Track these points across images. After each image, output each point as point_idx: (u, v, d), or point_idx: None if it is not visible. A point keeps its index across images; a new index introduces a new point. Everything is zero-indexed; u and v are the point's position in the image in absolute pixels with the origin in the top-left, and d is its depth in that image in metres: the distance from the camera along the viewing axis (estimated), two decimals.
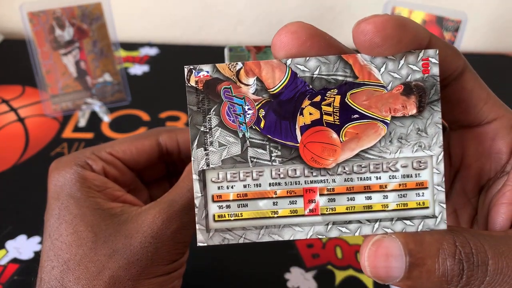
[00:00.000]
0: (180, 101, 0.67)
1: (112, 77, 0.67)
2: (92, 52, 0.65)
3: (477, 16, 0.79)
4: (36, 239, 0.48)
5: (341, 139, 0.23)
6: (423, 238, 0.22)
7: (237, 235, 0.24)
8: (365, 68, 0.23)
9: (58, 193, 0.33)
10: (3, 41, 0.84)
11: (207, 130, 0.23)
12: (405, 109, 0.23)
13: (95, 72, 0.66)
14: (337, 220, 0.24)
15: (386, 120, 0.23)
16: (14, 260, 0.46)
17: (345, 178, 0.24)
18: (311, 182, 0.24)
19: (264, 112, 0.23)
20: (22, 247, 0.47)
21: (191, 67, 0.23)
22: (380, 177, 0.24)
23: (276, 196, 0.24)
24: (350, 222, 0.24)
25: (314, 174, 0.24)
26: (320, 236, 0.24)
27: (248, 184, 0.24)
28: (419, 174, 0.24)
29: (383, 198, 0.24)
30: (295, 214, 0.24)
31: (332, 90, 0.23)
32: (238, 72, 0.23)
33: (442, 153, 0.23)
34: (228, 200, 0.24)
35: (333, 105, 0.23)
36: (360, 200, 0.24)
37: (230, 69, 0.23)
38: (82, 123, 0.65)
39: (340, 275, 0.45)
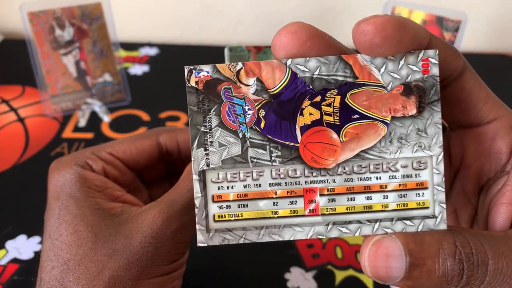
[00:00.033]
0: (180, 101, 0.67)
1: (112, 77, 0.67)
2: (92, 52, 0.65)
3: (477, 16, 0.79)
4: (36, 239, 0.48)
5: (341, 139, 0.23)
6: (423, 238, 0.22)
7: (237, 235, 0.24)
8: (365, 68, 0.23)
9: (58, 193, 0.33)
10: (3, 41, 0.84)
11: (207, 131, 0.23)
12: (405, 109, 0.23)
13: (95, 72, 0.66)
14: (337, 220, 0.24)
15: (386, 120, 0.23)
16: (14, 260, 0.46)
17: (345, 178, 0.24)
18: (311, 182, 0.24)
19: (264, 112, 0.23)
20: (22, 247, 0.47)
21: (191, 67, 0.23)
22: (380, 177, 0.24)
23: (276, 196, 0.24)
24: (350, 222, 0.24)
25: (314, 174, 0.24)
26: (320, 236, 0.24)
27: (248, 184, 0.24)
28: (419, 174, 0.24)
29: (383, 198, 0.24)
30: (295, 214, 0.24)
31: (332, 91, 0.23)
32: (238, 72, 0.23)
33: (442, 153, 0.23)
34: (228, 200, 0.24)
35: (333, 106, 0.23)
36: (360, 200, 0.24)
37: (230, 69, 0.23)
38: (82, 123, 0.65)
39: (340, 275, 0.45)
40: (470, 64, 0.26)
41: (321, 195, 0.24)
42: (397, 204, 0.24)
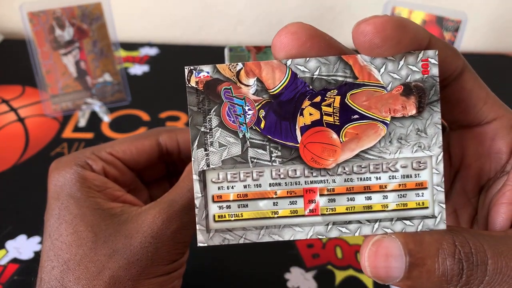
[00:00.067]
0: (180, 101, 0.67)
1: (112, 77, 0.67)
2: (92, 52, 0.66)
3: (477, 16, 0.79)
4: (36, 239, 0.48)
5: (341, 139, 0.23)
6: (422, 238, 0.22)
7: (237, 235, 0.24)
8: (365, 68, 0.23)
9: (58, 193, 0.33)
10: (3, 41, 0.84)
11: (208, 131, 0.23)
12: (404, 109, 0.23)
13: (95, 72, 0.66)
14: (337, 220, 0.24)
15: (386, 121, 0.23)
16: (14, 260, 0.46)
17: (345, 179, 0.24)
18: (311, 182, 0.24)
19: (264, 113, 0.23)
20: (22, 247, 0.47)
21: (192, 67, 0.23)
22: (380, 177, 0.24)
23: (276, 196, 0.24)
24: (350, 222, 0.24)
25: (314, 174, 0.24)
26: (320, 236, 0.24)
27: (248, 185, 0.24)
28: (418, 174, 0.24)
29: (383, 198, 0.24)
30: (295, 214, 0.24)
31: (332, 91, 0.23)
32: (238, 72, 0.23)
33: (442, 154, 0.23)
34: (228, 201, 0.24)
35: (333, 106, 0.23)
36: (360, 200, 0.24)
37: (230, 69, 0.23)
38: (82, 123, 0.65)
39: (340, 275, 0.45)
40: (470, 64, 0.26)
41: (321, 195, 0.24)
42: (396, 204, 0.24)
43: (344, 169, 0.24)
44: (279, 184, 0.24)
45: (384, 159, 0.24)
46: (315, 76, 0.23)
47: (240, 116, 0.23)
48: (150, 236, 0.31)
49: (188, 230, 0.33)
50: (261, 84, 0.23)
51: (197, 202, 0.24)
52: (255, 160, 0.24)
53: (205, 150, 0.23)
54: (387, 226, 0.24)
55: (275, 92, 0.23)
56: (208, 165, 0.24)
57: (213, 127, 0.23)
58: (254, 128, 0.23)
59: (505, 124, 0.26)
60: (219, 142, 0.23)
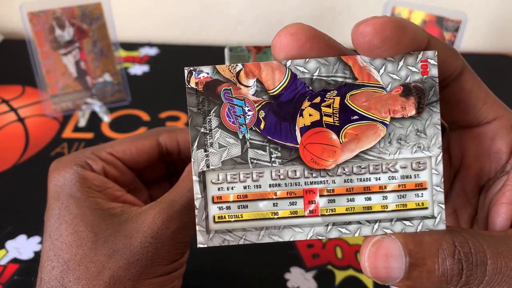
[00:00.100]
0: (180, 101, 0.67)
1: (112, 77, 0.67)
2: (92, 52, 0.66)
3: (477, 16, 0.79)
4: (36, 239, 0.48)
5: (340, 140, 0.23)
6: (422, 239, 0.22)
7: (237, 236, 0.24)
8: (365, 69, 0.23)
9: (58, 193, 0.33)
10: (3, 41, 0.84)
11: (207, 132, 0.23)
12: (404, 110, 0.23)
13: (95, 72, 0.66)
14: (337, 221, 0.24)
15: (386, 121, 0.23)
16: (14, 260, 0.46)
17: (344, 179, 0.24)
18: (311, 183, 0.24)
19: (264, 114, 0.23)
20: (22, 247, 0.47)
21: (191, 68, 0.23)
22: (379, 178, 0.24)
23: (276, 197, 0.24)
24: (350, 223, 0.24)
25: (314, 175, 0.24)
26: (320, 237, 0.24)
27: (248, 185, 0.24)
28: (418, 175, 0.24)
29: (383, 199, 0.24)
30: (295, 215, 0.24)
31: (331, 92, 0.23)
32: (238, 73, 0.23)
33: (441, 154, 0.24)
34: (228, 201, 0.24)
35: (332, 106, 0.23)
36: (360, 201, 0.24)
37: (230, 70, 0.23)
38: (82, 123, 0.65)
39: (340, 275, 0.45)
40: (470, 64, 0.26)
41: (320, 196, 0.24)
42: (396, 205, 0.24)
43: (344, 170, 0.24)
44: (279, 185, 0.24)
45: (383, 159, 0.24)
46: (314, 77, 0.23)
47: (240, 117, 0.23)
48: (150, 236, 0.31)
49: (188, 230, 0.33)
50: (260, 85, 0.23)
51: (197, 203, 0.24)
52: (255, 161, 0.24)
53: (205, 151, 0.23)
54: (386, 227, 0.24)
55: (274, 93, 0.23)
56: (208, 166, 0.24)
57: (213, 128, 0.23)
58: (254, 129, 0.23)
59: (505, 124, 0.26)
60: (219, 143, 0.23)
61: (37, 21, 0.61)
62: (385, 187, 0.24)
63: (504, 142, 0.26)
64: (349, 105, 0.23)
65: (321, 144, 0.23)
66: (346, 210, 0.24)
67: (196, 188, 0.24)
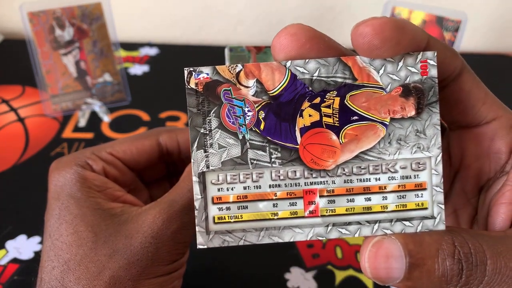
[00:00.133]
0: (180, 101, 0.67)
1: (112, 77, 0.67)
2: (92, 52, 0.66)
3: (477, 16, 0.79)
4: (36, 239, 0.48)
5: (340, 140, 0.23)
6: (422, 239, 0.22)
7: (237, 237, 0.24)
8: (364, 70, 0.23)
9: (58, 193, 0.33)
10: (3, 41, 0.84)
11: (207, 132, 0.23)
12: (403, 110, 0.23)
13: (95, 72, 0.66)
14: (337, 221, 0.24)
15: (385, 122, 0.23)
16: (14, 260, 0.46)
17: (344, 180, 0.24)
18: (311, 183, 0.24)
19: (264, 114, 0.23)
20: (22, 247, 0.47)
21: (191, 69, 0.23)
22: (379, 178, 0.24)
23: (276, 198, 0.24)
24: (349, 223, 0.24)
25: (314, 175, 0.24)
26: (320, 238, 0.24)
27: (248, 186, 0.24)
28: (418, 175, 0.24)
29: (383, 199, 0.24)
30: (295, 215, 0.24)
31: (331, 92, 0.23)
32: (238, 74, 0.23)
33: (441, 155, 0.24)
34: (228, 202, 0.24)
35: (332, 107, 0.23)
36: (360, 201, 0.24)
37: (230, 71, 0.23)
38: (82, 123, 0.65)
39: (340, 275, 0.45)
40: (470, 64, 0.26)
41: (320, 196, 0.24)
42: (396, 205, 0.24)
43: (344, 170, 0.24)
44: (279, 185, 0.24)
45: (383, 160, 0.24)
46: (314, 78, 0.23)
47: (240, 118, 0.23)
48: (150, 236, 0.31)
49: (189, 230, 0.33)
50: (260, 85, 0.23)
51: (196, 203, 0.24)
52: (254, 162, 0.24)
53: (205, 151, 0.24)
54: (386, 227, 0.24)
55: (274, 94, 0.23)
56: (207, 167, 0.24)
57: (212, 128, 0.23)
58: (253, 129, 0.24)
59: (504, 124, 0.26)
60: (218, 144, 0.24)
61: (37, 21, 0.61)
62: (385, 187, 0.24)
63: (503, 142, 0.26)
64: (349, 105, 0.23)
65: (321, 144, 0.23)
66: (346, 210, 0.24)
67: (196, 188, 0.24)
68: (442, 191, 0.24)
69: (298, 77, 0.23)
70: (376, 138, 0.23)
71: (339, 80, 0.23)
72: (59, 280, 0.30)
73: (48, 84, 0.64)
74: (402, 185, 0.24)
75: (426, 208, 0.24)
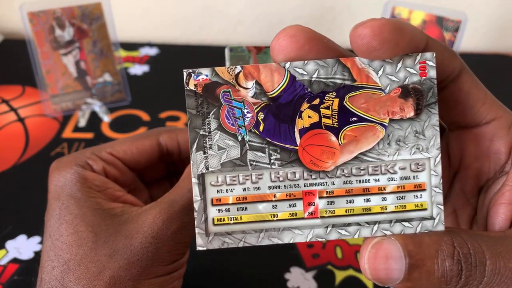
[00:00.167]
0: (180, 101, 0.67)
1: (112, 77, 0.67)
2: (92, 52, 0.66)
3: (477, 16, 0.79)
4: (36, 239, 0.48)
5: (340, 141, 0.23)
6: (421, 240, 0.22)
7: (237, 238, 0.24)
8: (363, 71, 0.23)
9: (58, 193, 0.34)
10: (3, 41, 0.84)
11: (206, 134, 0.23)
12: (403, 111, 0.23)
13: (95, 72, 0.66)
14: (336, 222, 0.24)
15: (384, 123, 0.23)
16: (14, 260, 0.46)
17: (344, 181, 0.24)
18: (311, 185, 0.24)
19: (263, 115, 0.23)
20: (22, 247, 0.48)
21: (190, 70, 0.23)
22: (378, 179, 0.24)
23: (276, 199, 0.24)
24: (349, 224, 0.24)
25: (313, 177, 0.24)
26: (319, 239, 0.24)
27: (248, 188, 0.24)
28: (417, 176, 0.24)
29: (382, 200, 0.24)
30: (294, 217, 0.24)
31: (330, 93, 0.23)
32: (237, 75, 0.23)
33: (440, 155, 0.24)
34: (228, 204, 0.24)
35: (331, 108, 0.23)
36: (359, 202, 0.24)
37: (229, 72, 0.23)
38: (82, 123, 0.65)
39: (340, 275, 0.45)
40: (470, 64, 0.26)
41: (320, 197, 0.24)
42: (395, 206, 0.24)
43: (343, 171, 0.24)
44: (278, 187, 0.24)
45: (382, 161, 0.24)
46: (313, 79, 0.23)
47: (239, 119, 0.23)
48: (150, 236, 0.31)
49: (189, 231, 0.33)
50: (259, 87, 0.23)
51: (196, 205, 0.24)
52: (254, 163, 0.24)
53: (204, 153, 0.24)
54: (386, 228, 0.24)
55: (273, 95, 0.23)
56: (207, 168, 0.24)
57: (212, 130, 0.23)
58: (253, 131, 0.24)
59: (504, 124, 0.26)
60: (218, 145, 0.24)
61: (37, 21, 0.62)
62: (384, 188, 0.24)
63: (503, 142, 0.26)
64: (348, 106, 0.23)
65: (320, 145, 0.23)
66: (346, 211, 0.24)
67: (195, 190, 0.24)
68: (441, 192, 0.24)
69: (297, 79, 0.23)
70: (375, 139, 0.23)
71: (338, 81, 0.23)
72: (59, 280, 0.30)
73: (48, 84, 0.64)
74: (401, 186, 0.24)
75: (425, 209, 0.24)
